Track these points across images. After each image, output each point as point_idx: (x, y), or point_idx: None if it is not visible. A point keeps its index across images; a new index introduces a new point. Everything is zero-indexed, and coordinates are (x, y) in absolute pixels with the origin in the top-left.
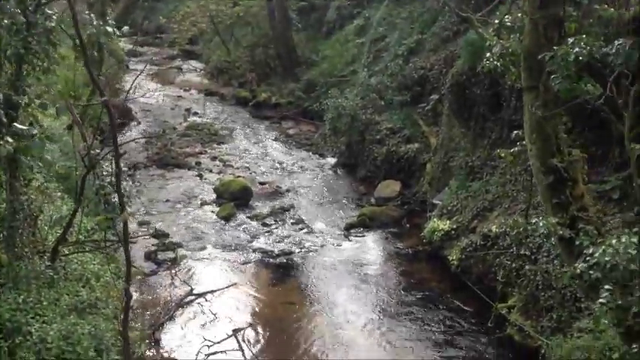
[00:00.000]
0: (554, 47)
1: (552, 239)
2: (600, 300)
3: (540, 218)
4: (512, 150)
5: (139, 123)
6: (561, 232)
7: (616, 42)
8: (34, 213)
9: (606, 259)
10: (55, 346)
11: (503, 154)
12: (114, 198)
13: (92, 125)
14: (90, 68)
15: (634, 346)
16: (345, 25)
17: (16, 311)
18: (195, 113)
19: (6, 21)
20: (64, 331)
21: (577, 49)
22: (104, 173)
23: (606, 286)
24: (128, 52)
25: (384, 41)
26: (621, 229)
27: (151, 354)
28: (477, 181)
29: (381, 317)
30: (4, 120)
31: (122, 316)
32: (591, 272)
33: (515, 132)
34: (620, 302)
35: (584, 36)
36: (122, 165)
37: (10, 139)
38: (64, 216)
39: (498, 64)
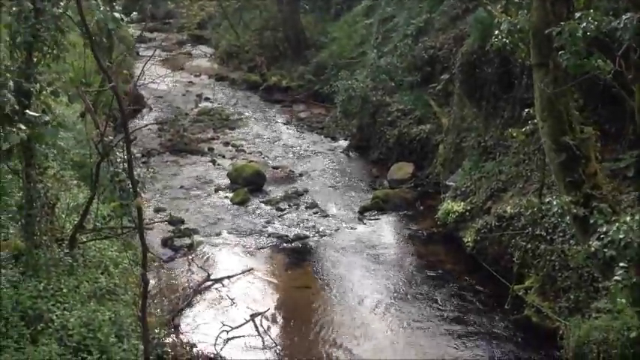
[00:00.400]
0: (562, 23)
1: (567, 218)
2: (615, 277)
3: (554, 197)
4: (523, 129)
5: (151, 109)
6: (575, 211)
7: (624, 16)
8: (51, 201)
9: (620, 236)
10: (77, 333)
11: (515, 134)
12: (128, 184)
13: (105, 113)
14: (97, 54)
15: None
16: (353, 6)
17: (37, 299)
18: (207, 99)
19: (14, 8)
20: (84, 317)
21: (585, 24)
22: (118, 160)
23: (621, 264)
24: (137, 38)
25: (392, 21)
26: (636, 206)
27: (170, 340)
28: (490, 162)
29: (396, 300)
30: (17, 107)
31: (140, 302)
32: (605, 250)
33: (527, 110)
34: (635, 280)
35: (591, 11)
36: (136, 152)
37: (23, 127)
38: (80, 204)
39: (507, 41)
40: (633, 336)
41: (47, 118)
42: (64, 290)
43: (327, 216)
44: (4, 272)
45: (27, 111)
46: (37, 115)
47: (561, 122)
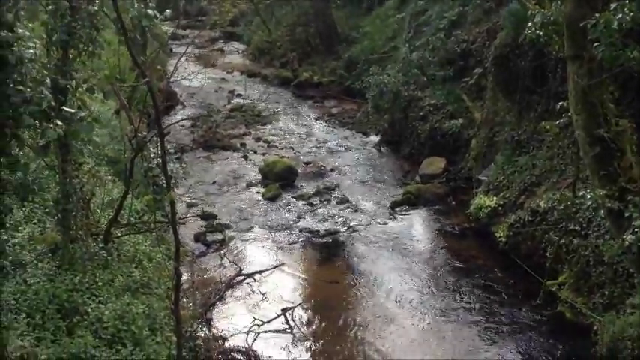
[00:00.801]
0: (597, 14)
1: (601, 212)
2: None
3: (587, 191)
4: (557, 122)
5: (184, 106)
6: (609, 205)
7: None
8: (87, 196)
9: None
10: (111, 325)
11: (548, 127)
12: (162, 180)
13: (139, 109)
14: (132, 50)
15: None
16: (385, 0)
17: (72, 292)
18: (239, 95)
19: (51, 6)
20: (119, 310)
21: (620, 16)
22: (152, 156)
23: None
24: (170, 35)
25: (424, 15)
26: None
27: (203, 333)
28: (523, 156)
29: (427, 295)
30: (54, 104)
31: (173, 295)
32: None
33: (560, 103)
34: None
35: (627, 1)
36: (169, 148)
37: (59, 123)
38: (115, 199)
39: (540, 33)
40: None
41: (83, 114)
42: (99, 284)
43: (358, 211)
44: (40, 266)
45: (63, 107)
46: (73, 111)
47: (596, 115)
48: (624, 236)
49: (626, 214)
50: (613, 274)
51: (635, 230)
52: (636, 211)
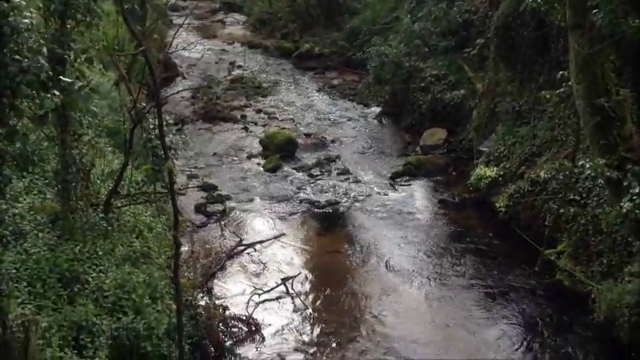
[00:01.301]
0: None
1: (600, 181)
2: None
3: (587, 160)
4: (558, 91)
5: (185, 78)
6: (609, 174)
7: None
8: (86, 167)
9: None
10: (112, 294)
11: (549, 96)
12: (161, 151)
13: (138, 81)
14: (127, 19)
15: None
16: None
17: (73, 261)
18: (239, 66)
19: None
20: (119, 279)
21: None
22: (151, 127)
23: None
24: (170, 6)
25: None
26: None
27: (204, 302)
28: (524, 126)
29: (426, 264)
30: (51, 74)
31: (173, 264)
32: (637, 211)
33: (561, 72)
34: None
35: None
36: (169, 119)
37: (57, 93)
38: (115, 170)
39: (542, 2)
40: None
41: (80, 84)
42: (100, 253)
43: (358, 182)
44: (41, 236)
45: (61, 77)
46: (70, 81)
47: (596, 84)
48: (622, 204)
49: (625, 183)
50: (612, 243)
51: (634, 198)
52: (635, 179)
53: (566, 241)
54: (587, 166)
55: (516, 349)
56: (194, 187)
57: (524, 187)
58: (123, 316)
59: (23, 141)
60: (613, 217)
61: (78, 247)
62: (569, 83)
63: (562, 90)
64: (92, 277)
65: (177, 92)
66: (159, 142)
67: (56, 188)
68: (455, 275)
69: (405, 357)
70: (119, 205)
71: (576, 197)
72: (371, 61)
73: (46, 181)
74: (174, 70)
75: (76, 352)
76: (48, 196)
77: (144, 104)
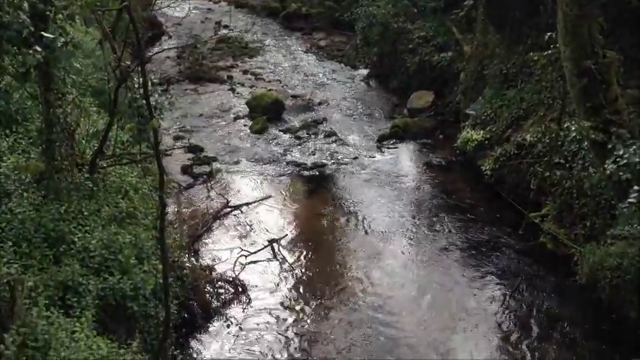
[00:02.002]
0: None
1: (585, 144)
2: (629, 200)
3: (572, 123)
4: (545, 53)
5: (170, 37)
6: (594, 136)
7: None
8: (71, 126)
9: (636, 159)
10: (98, 254)
11: (536, 58)
12: (147, 111)
13: (123, 40)
14: None
15: None
16: None
17: (59, 221)
18: (226, 26)
19: None
20: (105, 240)
21: None
22: (136, 86)
23: (636, 187)
24: None
25: None
26: None
27: (190, 263)
28: (511, 89)
29: (413, 227)
30: (33, 30)
31: (158, 224)
32: (621, 173)
33: (549, 34)
34: None
35: None
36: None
37: (39, 49)
38: (100, 130)
39: None
40: None
41: (63, 40)
42: (85, 213)
43: (345, 144)
44: (26, 196)
45: (43, 33)
46: (52, 37)
47: (584, 46)
48: (606, 166)
49: (610, 146)
50: (595, 206)
51: (617, 160)
52: (619, 142)
53: (550, 204)
54: (573, 128)
55: (497, 309)
56: (180, 148)
57: (510, 150)
58: (109, 277)
59: (6, 99)
60: (597, 179)
61: (63, 208)
62: (557, 45)
63: (549, 52)
64: (78, 238)
65: (162, 50)
66: (144, 101)
67: (40, 148)
68: (440, 237)
69: (388, 314)
70: (104, 165)
71: (561, 161)
72: (359, 22)
73: (31, 141)
74: (160, 28)
75: (62, 311)
76: (32, 156)
77: (128, 62)
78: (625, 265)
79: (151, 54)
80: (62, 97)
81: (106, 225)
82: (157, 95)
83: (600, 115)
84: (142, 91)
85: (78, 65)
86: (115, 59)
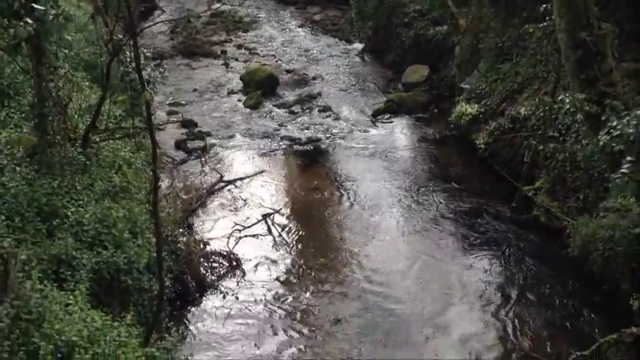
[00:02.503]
0: None
1: (579, 117)
2: (622, 170)
3: (567, 95)
4: (540, 25)
5: (163, 11)
6: (588, 108)
7: None
8: (63, 101)
9: (630, 130)
10: (92, 228)
11: (532, 30)
12: (139, 85)
13: (115, 14)
14: None
15: None
16: None
17: (52, 195)
18: (220, 0)
19: None
20: (99, 214)
21: None
22: (128, 60)
23: (628, 158)
24: None
25: None
26: None
27: (184, 238)
28: (506, 63)
29: (407, 200)
30: (24, 1)
31: (152, 197)
32: (614, 144)
33: (545, 5)
34: None
35: None
36: (148, 53)
37: (30, 21)
38: (93, 104)
39: None
40: (637, 232)
41: (54, 12)
42: (79, 188)
43: (340, 119)
44: (19, 170)
45: (34, 5)
46: (43, 8)
47: (579, 18)
48: (599, 137)
49: (603, 118)
50: (588, 179)
51: (610, 131)
52: (613, 113)
53: (543, 177)
54: (567, 101)
55: (490, 281)
56: (174, 122)
57: (505, 124)
58: (103, 251)
59: None
60: (590, 151)
61: (56, 182)
62: (552, 18)
63: (545, 25)
64: (71, 212)
65: (155, 24)
66: (136, 75)
67: (33, 122)
68: (433, 210)
69: (381, 285)
70: (97, 140)
71: (555, 134)
72: None
73: (23, 115)
74: (152, 2)
75: (56, 285)
76: (25, 130)
77: (120, 36)
78: (617, 237)
79: (143, 27)
80: (54, 71)
81: (99, 199)
82: (149, 69)
83: (595, 88)
84: (134, 64)
85: (69, 38)
86: (107, 33)
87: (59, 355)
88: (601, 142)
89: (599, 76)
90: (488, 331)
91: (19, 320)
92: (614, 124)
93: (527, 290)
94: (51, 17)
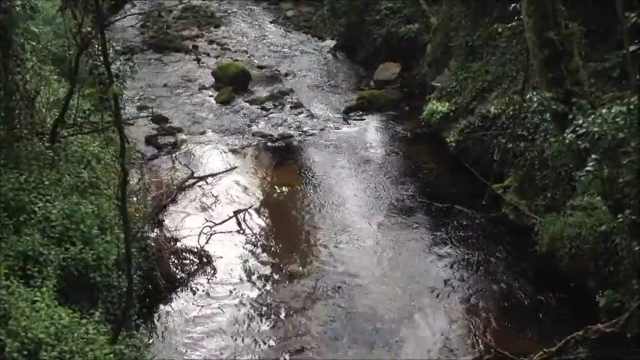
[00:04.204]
0: None
1: (547, 116)
2: (587, 168)
3: (534, 93)
4: (509, 25)
5: (134, 5)
6: (555, 107)
7: None
8: (30, 94)
9: (595, 129)
10: (59, 224)
11: (501, 29)
12: (108, 78)
13: (84, 6)
14: None
15: (619, 216)
16: None
17: (18, 190)
18: None
19: None
20: (67, 209)
21: None
22: (97, 53)
23: (593, 156)
24: None
25: None
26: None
27: (154, 234)
28: (477, 62)
29: (377, 198)
30: None
31: (119, 192)
32: (579, 142)
33: (513, 5)
34: (606, 172)
35: None
36: (118, 47)
37: None
38: (61, 98)
39: None
40: (602, 230)
41: (20, 2)
42: (46, 183)
43: (312, 116)
44: None
45: None
46: None
47: (546, 17)
48: (565, 134)
49: (570, 116)
50: (556, 178)
51: (576, 129)
52: (580, 112)
53: (512, 175)
54: (535, 99)
55: (458, 278)
56: (144, 117)
57: (475, 122)
58: (71, 247)
59: None
60: (556, 148)
61: (23, 177)
62: (521, 17)
63: (514, 24)
64: (38, 207)
65: (125, 16)
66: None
67: None
68: (404, 207)
69: (352, 281)
70: (65, 134)
71: (524, 133)
72: None
73: None
74: None
75: (22, 281)
76: None
77: (89, 29)
78: (583, 234)
79: (112, 21)
80: (21, 64)
81: (67, 195)
82: (119, 63)
83: (562, 86)
84: (102, 58)
85: (37, 30)
86: (76, 26)
87: (25, 353)
88: (567, 140)
89: (566, 75)
90: (454, 328)
91: None
92: (580, 122)
93: (493, 287)
94: (17, 8)
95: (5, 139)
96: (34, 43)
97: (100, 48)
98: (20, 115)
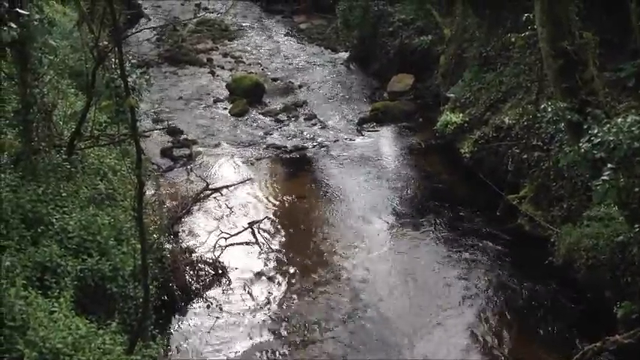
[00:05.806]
0: None
1: (562, 125)
2: (602, 177)
3: (549, 103)
4: (523, 34)
5: (149, 19)
6: (569, 117)
7: None
8: (48, 107)
9: (610, 138)
10: (76, 235)
11: (514, 39)
12: (124, 91)
13: (101, 20)
14: None
15: (636, 226)
16: None
17: (36, 202)
18: (206, 9)
19: None
20: (84, 221)
21: None
22: (113, 66)
23: (609, 165)
24: None
25: None
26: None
27: (170, 245)
28: (490, 73)
29: (392, 209)
30: (6, 5)
31: (136, 204)
32: (595, 152)
33: (527, 15)
34: (622, 182)
35: None
36: (134, 61)
37: (13, 25)
38: (78, 111)
39: None
40: (619, 240)
41: (38, 17)
42: (63, 195)
43: (325, 127)
44: (3, 177)
45: (17, 10)
46: (27, 13)
47: (560, 27)
48: (580, 144)
49: (585, 126)
50: (572, 188)
51: (591, 139)
52: (594, 122)
53: (528, 186)
54: (549, 109)
55: (475, 290)
56: (160, 130)
57: (489, 133)
58: (88, 258)
59: None
60: (571, 157)
61: (41, 189)
62: (535, 27)
63: (527, 34)
64: (56, 219)
65: (140, 30)
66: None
67: (17, 129)
68: (418, 219)
69: (368, 294)
70: (82, 147)
71: (539, 143)
72: (339, 5)
73: (7, 122)
74: (138, 9)
75: (40, 292)
76: (9, 137)
77: (106, 42)
78: (600, 245)
79: (128, 34)
80: (39, 78)
81: (84, 206)
82: (134, 76)
83: (576, 96)
84: (119, 71)
85: (55, 44)
86: (93, 40)
87: None
88: (582, 150)
89: (580, 85)
90: (471, 340)
91: (3, 327)
92: (595, 131)
93: (511, 298)
94: (35, 22)
95: (23, 152)
96: (52, 57)
97: (116, 61)
98: (38, 128)
